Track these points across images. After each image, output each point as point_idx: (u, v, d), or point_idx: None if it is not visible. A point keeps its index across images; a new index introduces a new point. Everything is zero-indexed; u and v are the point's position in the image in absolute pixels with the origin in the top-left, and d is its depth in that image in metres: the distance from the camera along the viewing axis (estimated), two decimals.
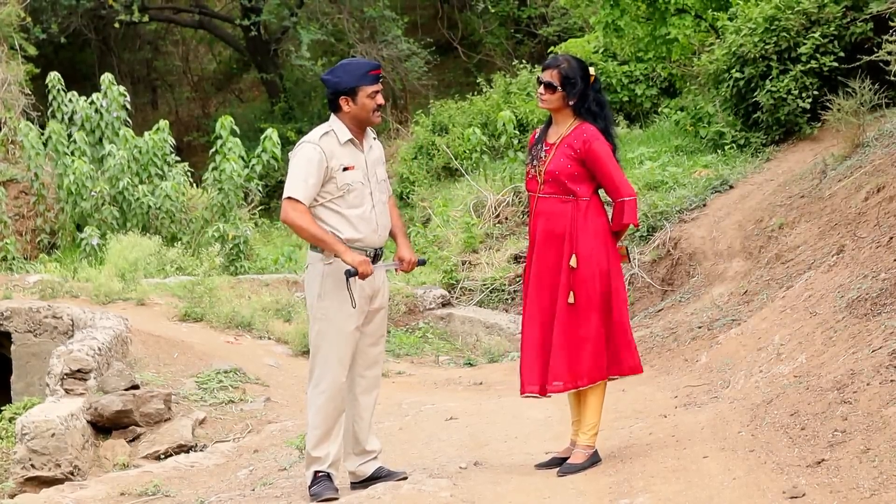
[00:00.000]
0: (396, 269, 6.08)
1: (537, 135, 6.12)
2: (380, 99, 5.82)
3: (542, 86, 5.92)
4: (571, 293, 5.83)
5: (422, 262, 6.12)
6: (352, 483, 6.03)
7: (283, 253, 15.60)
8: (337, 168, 5.75)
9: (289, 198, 5.70)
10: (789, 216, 10.33)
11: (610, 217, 5.99)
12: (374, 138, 6.02)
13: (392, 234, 6.08)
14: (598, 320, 5.85)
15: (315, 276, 5.82)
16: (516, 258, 13.02)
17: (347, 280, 5.69)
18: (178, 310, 11.75)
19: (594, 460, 5.94)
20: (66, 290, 12.15)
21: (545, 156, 5.94)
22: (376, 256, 5.86)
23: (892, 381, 5.55)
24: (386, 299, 6.02)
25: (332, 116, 5.89)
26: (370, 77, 5.79)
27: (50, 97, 16.98)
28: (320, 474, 5.82)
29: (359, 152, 5.86)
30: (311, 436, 5.84)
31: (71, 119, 16.86)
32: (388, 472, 6.01)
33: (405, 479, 5.91)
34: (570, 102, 5.92)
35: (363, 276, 5.68)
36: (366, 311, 5.85)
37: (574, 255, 5.83)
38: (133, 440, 8.19)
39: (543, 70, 5.98)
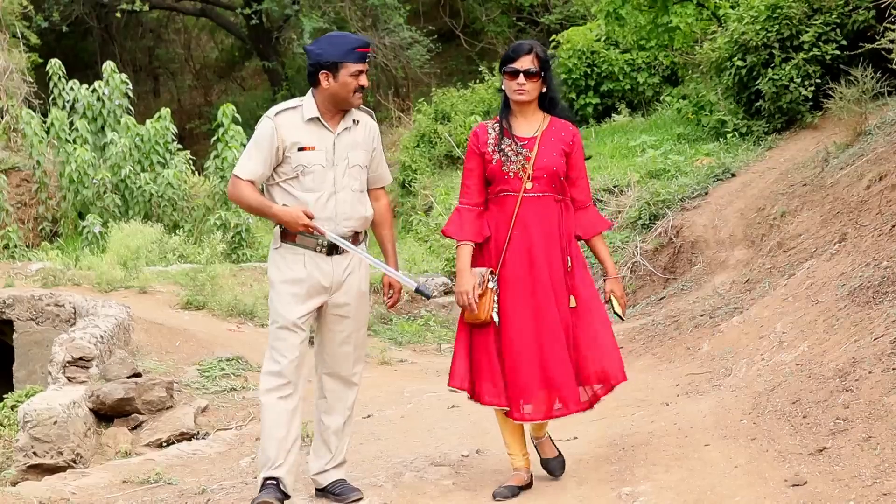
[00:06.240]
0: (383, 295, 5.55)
1: (492, 130, 5.37)
2: (363, 80, 5.23)
3: (520, 75, 5.23)
4: (572, 297, 5.38)
5: (425, 296, 5.36)
6: (315, 489, 5.64)
7: None
8: (290, 147, 5.23)
9: (233, 175, 5.28)
10: (791, 204, 10.31)
11: (580, 222, 5.43)
12: (357, 121, 5.37)
13: (382, 250, 5.57)
14: (602, 318, 5.45)
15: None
16: None
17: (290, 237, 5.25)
18: (180, 298, 11.76)
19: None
20: (68, 278, 12.16)
21: (526, 151, 5.28)
22: (333, 247, 5.27)
23: (893, 368, 5.55)
24: (353, 296, 5.37)
25: (310, 91, 5.34)
26: (356, 54, 5.19)
27: (51, 84, 17.00)
28: (268, 481, 5.30)
29: (326, 133, 5.28)
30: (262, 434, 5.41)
31: (73, 107, 16.87)
32: (344, 488, 5.49)
33: (359, 500, 5.43)
34: (545, 86, 5.32)
35: (297, 229, 5.18)
36: (313, 301, 5.30)
37: (570, 258, 5.39)
38: (135, 428, 8.18)
39: (516, 59, 5.24)
